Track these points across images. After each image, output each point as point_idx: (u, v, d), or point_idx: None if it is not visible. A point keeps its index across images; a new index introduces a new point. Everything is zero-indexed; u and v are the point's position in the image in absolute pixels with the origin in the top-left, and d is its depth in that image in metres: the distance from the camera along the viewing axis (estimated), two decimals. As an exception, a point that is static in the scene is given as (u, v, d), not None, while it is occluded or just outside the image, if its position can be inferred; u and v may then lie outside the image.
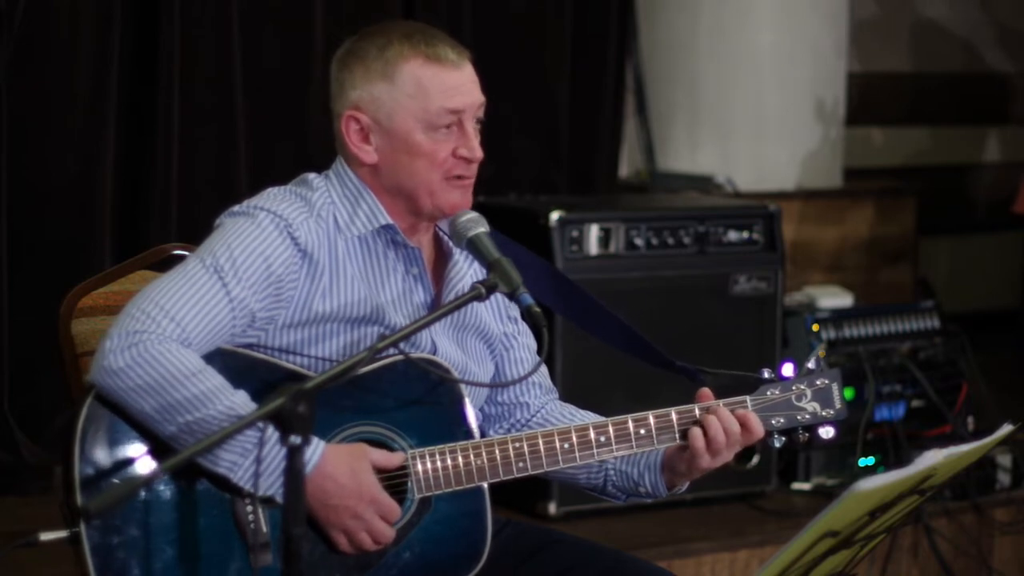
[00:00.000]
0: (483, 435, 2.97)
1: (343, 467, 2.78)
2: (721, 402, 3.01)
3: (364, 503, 2.79)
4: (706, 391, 3.03)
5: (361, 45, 2.96)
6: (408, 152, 2.92)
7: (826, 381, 3.08)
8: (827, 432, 3.07)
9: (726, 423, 2.96)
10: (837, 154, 6.62)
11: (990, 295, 7.91)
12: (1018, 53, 8.01)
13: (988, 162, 8.07)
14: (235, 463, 2.74)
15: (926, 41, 7.86)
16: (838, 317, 5.40)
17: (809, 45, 6.41)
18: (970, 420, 5.48)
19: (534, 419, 3.13)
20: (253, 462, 2.72)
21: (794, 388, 3.06)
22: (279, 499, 2.75)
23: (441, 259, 3.06)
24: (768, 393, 3.04)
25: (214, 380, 2.74)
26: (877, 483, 2.55)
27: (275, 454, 2.73)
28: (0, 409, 4.92)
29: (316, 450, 2.75)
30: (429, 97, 2.91)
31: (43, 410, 4.96)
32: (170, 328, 2.75)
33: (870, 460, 5.26)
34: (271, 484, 2.75)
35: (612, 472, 3.08)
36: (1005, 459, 5.31)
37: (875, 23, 7.54)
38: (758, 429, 2.99)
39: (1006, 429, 2.91)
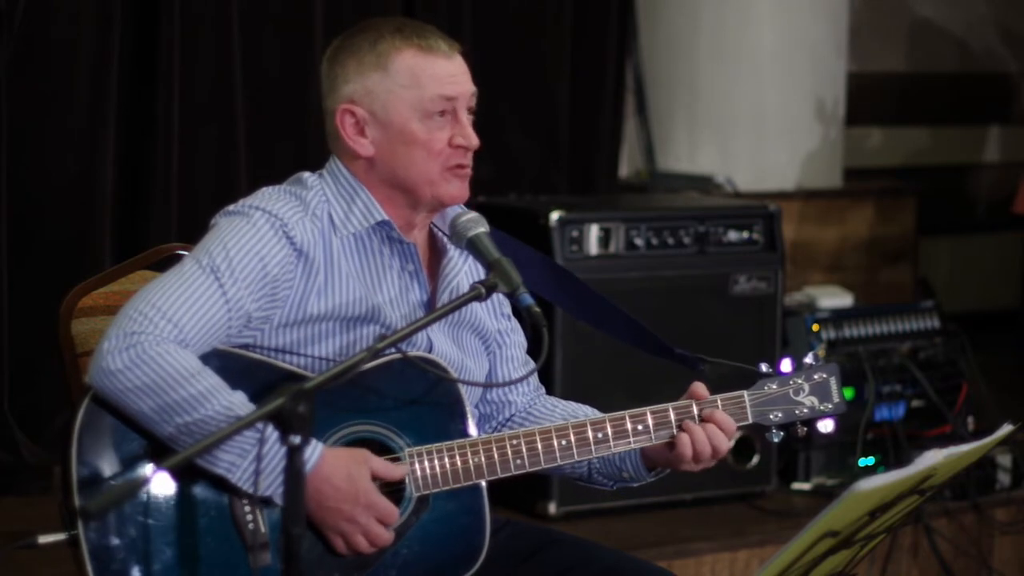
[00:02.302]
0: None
1: (341, 471, 2.78)
2: (719, 399, 3.01)
3: (360, 507, 2.79)
4: (699, 386, 3.02)
5: (352, 41, 2.97)
6: (404, 142, 2.93)
7: (824, 375, 3.08)
8: (826, 426, 3.08)
9: (714, 438, 2.97)
10: (837, 154, 6.62)
11: (990, 295, 7.91)
12: (1018, 53, 8.01)
13: (988, 162, 8.07)
14: (234, 463, 2.74)
15: (926, 41, 7.86)
16: (838, 317, 5.40)
17: (809, 45, 6.41)
18: (970, 420, 5.48)
19: (516, 416, 3.13)
20: (251, 462, 2.73)
21: (792, 382, 3.06)
22: (277, 500, 2.76)
23: (436, 255, 3.06)
24: (766, 388, 3.05)
25: (212, 381, 2.74)
26: (877, 483, 2.55)
27: (273, 454, 2.73)
28: (0, 409, 4.92)
29: (314, 453, 2.75)
30: (423, 85, 2.92)
31: (43, 410, 4.96)
32: (167, 329, 2.75)
33: (870, 460, 5.26)
34: (269, 485, 2.75)
35: (596, 460, 3.08)
36: (1005, 459, 5.30)
37: (875, 23, 7.54)
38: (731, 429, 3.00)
39: (1006, 429, 2.91)
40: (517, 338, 3.15)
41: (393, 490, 2.87)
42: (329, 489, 2.77)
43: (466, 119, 2.96)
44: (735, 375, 3.10)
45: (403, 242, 2.98)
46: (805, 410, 3.06)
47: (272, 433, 2.67)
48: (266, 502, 2.78)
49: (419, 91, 2.92)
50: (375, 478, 2.82)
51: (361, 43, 2.95)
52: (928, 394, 5.37)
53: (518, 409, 3.15)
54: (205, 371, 2.75)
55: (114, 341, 2.73)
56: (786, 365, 3.09)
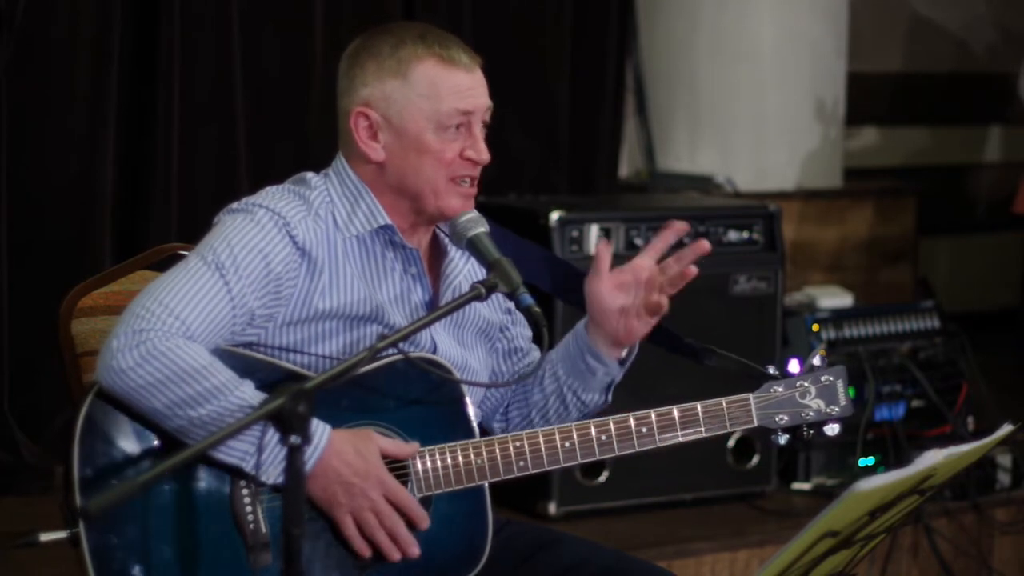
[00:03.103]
0: (482, 429, 2.98)
1: (349, 446, 2.78)
2: (724, 401, 3.01)
3: (371, 482, 2.79)
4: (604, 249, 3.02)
5: (373, 43, 2.96)
6: (417, 150, 2.93)
7: (830, 378, 3.07)
8: (832, 429, 3.07)
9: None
10: (837, 154, 6.62)
11: (990, 295, 7.91)
12: (1018, 52, 8.00)
13: (988, 162, 8.07)
14: (247, 452, 2.75)
15: (926, 40, 7.86)
16: (838, 317, 5.39)
17: (809, 45, 6.41)
18: (970, 420, 5.47)
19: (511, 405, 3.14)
20: (262, 450, 2.73)
21: (798, 385, 3.05)
22: None
23: (437, 256, 3.06)
24: (772, 391, 3.04)
25: (223, 373, 2.75)
26: (877, 483, 2.55)
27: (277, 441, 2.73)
28: (0, 409, 4.92)
29: (323, 434, 2.76)
30: (441, 98, 2.91)
31: (43, 410, 4.95)
32: (175, 325, 2.75)
33: (870, 460, 5.26)
34: (281, 472, 2.75)
35: (564, 385, 3.07)
36: (1005, 459, 5.30)
37: (875, 23, 7.54)
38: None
39: (1006, 429, 2.91)
40: (520, 330, 3.16)
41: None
42: (340, 464, 2.77)
43: (480, 133, 2.96)
44: (738, 376, 3.09)
45: (406, 247, 2.98)
46: (811, 413, 3.05)
47: None
48: (276, 490, 2.78)
49: (437, 103, 2.91)
50: (384, 457, 2.82)
51: (382, 47, 2.94)
52: (928, 394, 5.37)
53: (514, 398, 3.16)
54: (215, 364, 2.76)
55: (123, 339, 2.73)
56: (794, 366, 3.07)
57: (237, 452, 2.75)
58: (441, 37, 2.96)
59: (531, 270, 2.91)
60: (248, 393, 2.75)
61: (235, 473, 2.78)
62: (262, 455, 2.73)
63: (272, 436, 2.71)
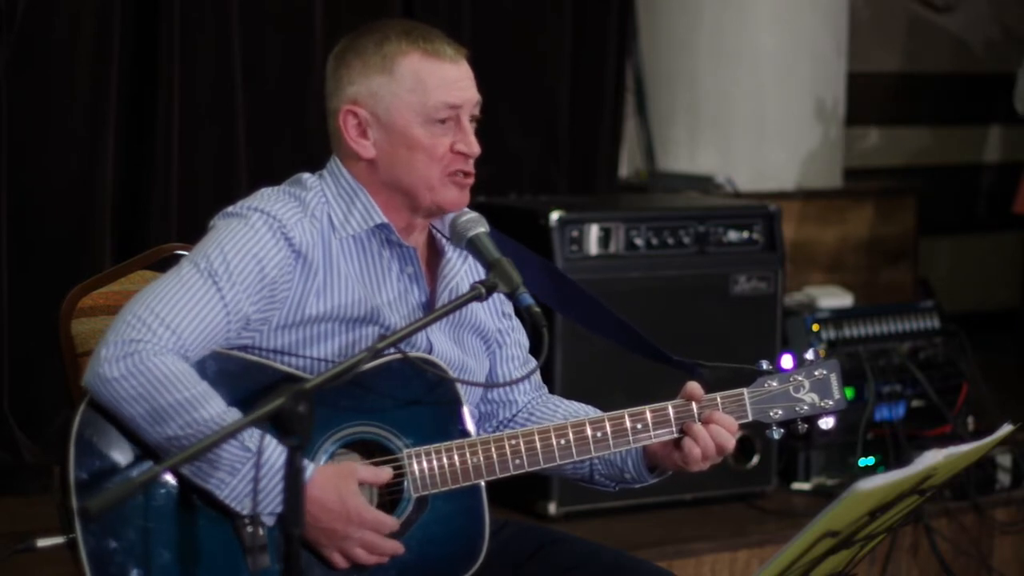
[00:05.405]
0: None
1: (331, 491, 2.77)
2: (719, 396, 3.01)
3: (353, 525, 2.79)
4: (694, 386, 3.02)
5: (358, 42, 2.97)
6: (407, 146, 2.92)
7: (824, 372, 3.08)
8: (826, 423, 3.08)
9: (717, 437, 2.96)
10: (837, 154, 6.62)
11: (990, 295, 7.91)
12: (1019, 52, 8.01)
13: (988, 162, 8.07)
14: (223, 481, 2.74)
15: (926, 40, 7.86)
16: (838, 317, 5.40)
17: (809, 45, 6.41)
18: (970, 420, 5.48)
19: (519, 415, 3.13)
20: (239, 480, 2.72)
21: (792, 379, 3.06)
22: (264, 519, 2.75)
23: (434, 256, 3.06)
24: (766, 385, 3.05)
25: (206, 394, 2.73)
26: (877, 483, 2.55)
27: (264, 471, 2.72)
28: (0, 409, 4.92)
29: (305, 473, 2.74)
30: (428, 91, 2.91)
31: (43, 410, 4.96)
32: (166, 337, 2.74)
33: (870, 460, 5.26)
34: (258, 503, 2.74)
35: (597, 461, 3.08)
36: (1005, 459, 5.30)
37: (875, 23, 7.54)
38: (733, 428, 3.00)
39: (1006, 429, 2.91)
40: (518, 337, 3.15)
41: (392, 491, 2.87)
42: (320, 511, 2.76)
43: (468, 126, 2.95)
44: (735, 376, 3.10)
45: (402, 246, 2.97)
46: (806, 407, 3.06)
47: (265, 449, 2.68)
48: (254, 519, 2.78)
49: (423, 97, 2.91)
50: (364, 484, 2.82)
51: (367, 44, 2.95)
52: (928, 394, 5.37)
53: (520, 408, 3.14)
54: (201, 384, 2.74)
55: (112, 348, 2.72)
56: (787, 361, 3.08)
57: (213, 479, 2.74)
58: (425, 32, 2.96)
59: (527, 277, 2.90)
60: (231, 418, 2.71)
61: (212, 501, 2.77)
62: (239, 486, 2.72)
63: (263, 457, 2.71)
